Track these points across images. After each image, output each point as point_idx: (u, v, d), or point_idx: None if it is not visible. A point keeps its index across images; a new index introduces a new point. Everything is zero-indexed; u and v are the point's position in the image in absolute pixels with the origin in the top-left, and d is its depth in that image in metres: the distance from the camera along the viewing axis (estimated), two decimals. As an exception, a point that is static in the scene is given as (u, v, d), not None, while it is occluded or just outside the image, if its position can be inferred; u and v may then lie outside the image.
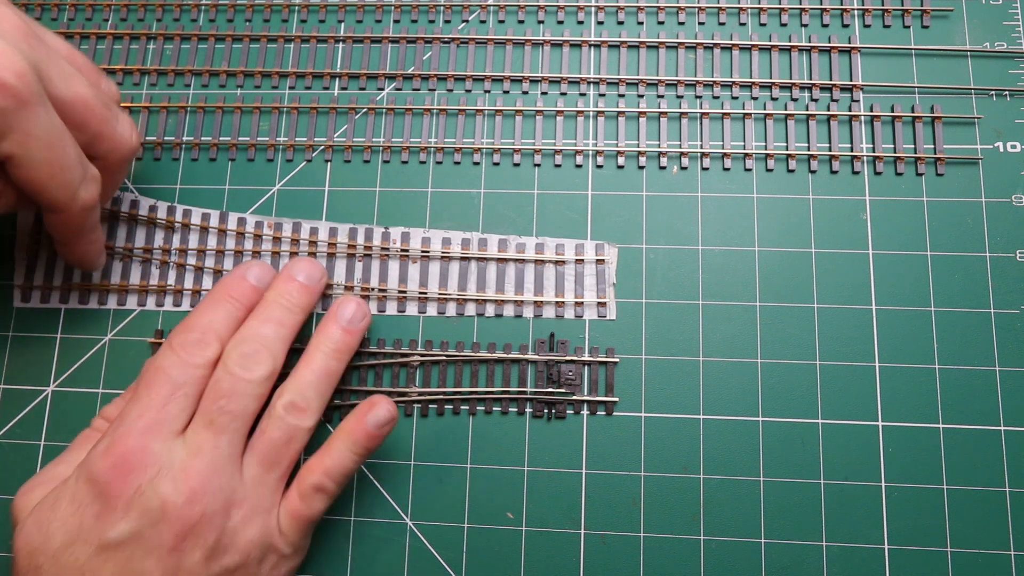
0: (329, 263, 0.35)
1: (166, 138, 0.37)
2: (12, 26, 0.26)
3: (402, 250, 0.34)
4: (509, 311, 0.34)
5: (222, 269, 0.35)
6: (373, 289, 0.34)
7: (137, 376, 0.29)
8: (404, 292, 0.34)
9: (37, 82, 0.26)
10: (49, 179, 0.27)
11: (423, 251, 0.34)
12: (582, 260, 0.34)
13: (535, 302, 0.34)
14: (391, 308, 0.34)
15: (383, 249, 0.34)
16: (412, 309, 0.34)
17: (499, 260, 0.34)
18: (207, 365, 0.28)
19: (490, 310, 0.34)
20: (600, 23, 0.37)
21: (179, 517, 0.26)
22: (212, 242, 0.35)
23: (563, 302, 0.34)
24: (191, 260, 0.35)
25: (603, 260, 0.34)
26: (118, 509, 0.25)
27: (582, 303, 0.34)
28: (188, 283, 0.35)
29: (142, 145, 0.36)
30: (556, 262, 0.34)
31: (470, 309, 0.34)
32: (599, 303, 0.34)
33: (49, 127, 0.26)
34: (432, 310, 0.34)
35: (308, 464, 0.29)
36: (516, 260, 0.34)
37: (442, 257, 0.34)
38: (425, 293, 0.34)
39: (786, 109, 0.35)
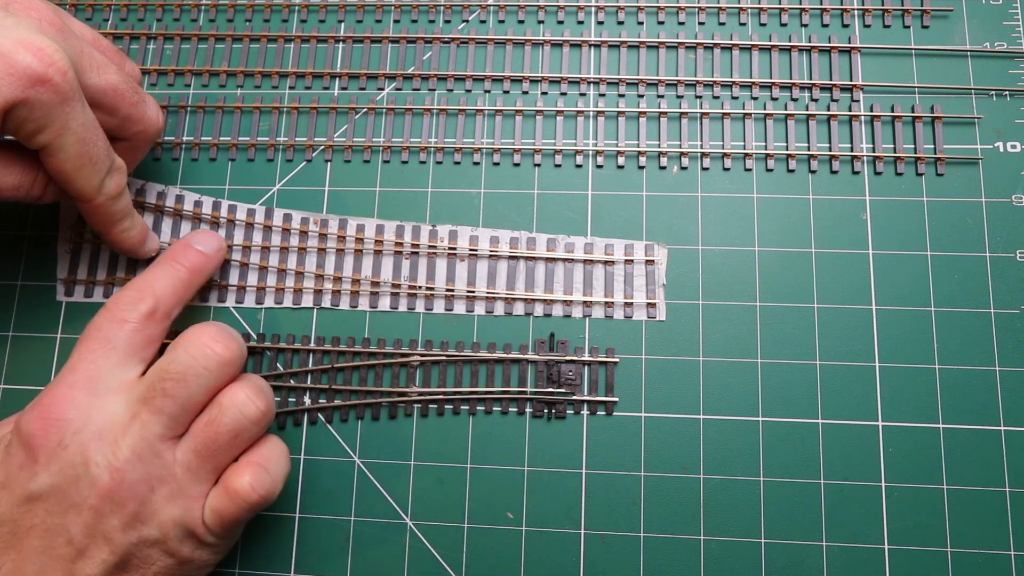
0: (376, 260, 0.35)
1: (166, 138, 0.37)
2: (48, 20, 0.28)
3: (450, 248, 0.34)
4: (558, 311, 0.34)
5: (286, 268, 0.35)
6: (420, 287, 0.34)
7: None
8: (452, 290, 0.34)
9: (75, 78, 0.27)
10: (78, 170, 0.28)
11: (471, 249, 0.34)
12: (631, 260, 0.34)
13: (584, 302, 0.34)
14: (438, 306, 0.34)
15: (431, 247, 0.34)
16: (460, 308, 0.34)
17: (548, 260, 0.34)
18: (140, 319, 0.28)
19: (539, 310, 0.34)
20: (600, 23, 0.37)
21: (101, 479, 0.25)
22: (257, 238, 0.35)
23: (612, 302, 0.34)
24: (250, 258, 0.35)
25: (652, 261, 0.34)
26: (39, 461, 0.25)
27: (631, 304, 0.34)
28: (252, 280, 0.35)
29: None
30: (605, 262, 0.34)
31: (518, 308, 0.34)
32: (648, 304, 0.33)
33: (83, 121, 0.28)
34: (480, 309, 0.34)
35: (238, 465, 0.28)
36: (565, 260, 0.34)
37: (490, 256, 0.34)
38: (473, 292, 0.34)
39: (786, 109, 0.35)
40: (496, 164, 0.36)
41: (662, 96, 0.36)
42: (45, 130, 0.27)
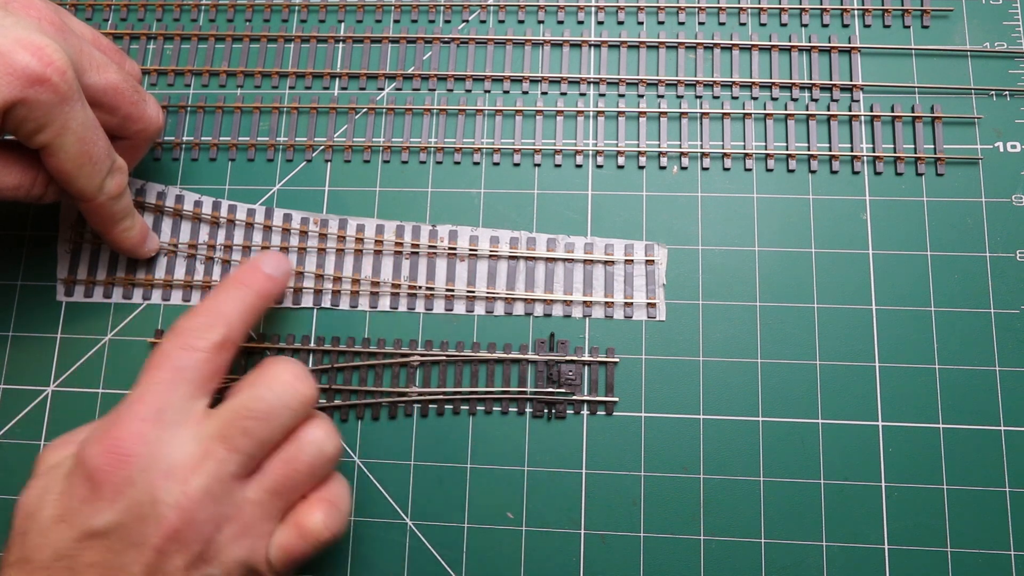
0: (376, 260, 0.35)
1: (166, 138, 0.37)
2: (48, 20, 0.27)
3: (450, 248, 0.34)
4: (558, 311, 0.34)
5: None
6: (420, 287, 0.34)
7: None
8: (452, 290, 0.34)
9: (75, 78, 0.27)
10: (79, 170, 0.28)
11: (471, 249, 0.34)
12: (631, 260, 0.34)
13: (584, 302, 0.34)
14: (438, 307, 0.34)
15: (431, 247, 0.34)
16: (460, 308, 0.34)
17: (548, 260, 0.34)
18: (211, 349, 0.26)
19: (539, 310, 0.34)
20: (600, 23, 0.37)
21: (168, 519, 0.24)
22: (257, 238, 0.35)
23: (612, 302, 0.34)
24: (248, 257, 0.35)
25: (652, 261, 0.34)
26: (104, 497, 0.24)
27: (631, 304, 0.34)
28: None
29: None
30: (605, 262, 0.34)
31: (518, 308, 0.34)
32: (648, 304, 0.33)
33: (83, 121, 0.27)
34: (480, 309, 0.34)
35: (308, 502, 0.27)
36: (565, 260, 0.34)
37: (490, 256, 0.34)
38: (473, 292, 0.34)
39: (786, 109, 0.35)
40: (496, 164, 0.36)
41: (662, 96, 0.36)
42: (45, 129, 0.27)
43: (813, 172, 0.35)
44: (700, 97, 0.36)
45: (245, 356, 0.34)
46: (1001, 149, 0.34)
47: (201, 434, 0.25)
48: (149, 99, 0.31)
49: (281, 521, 0.27)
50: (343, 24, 0.38)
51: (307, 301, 0.34)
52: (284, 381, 0.26)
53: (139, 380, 0.26)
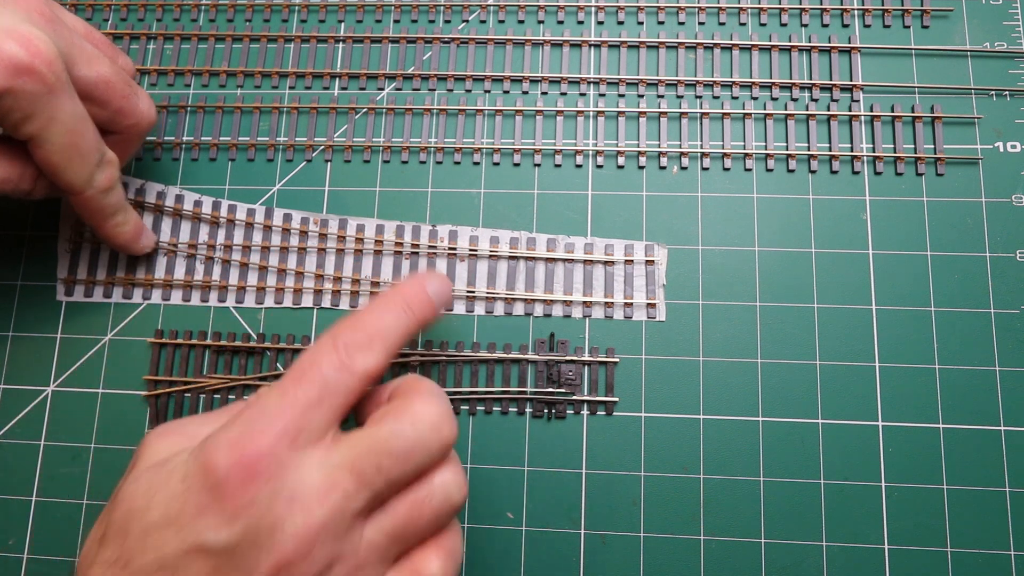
0: (376, 261, 0.35)
1: (166, 138, 0.37)
2: (38, 11, 0.27)
3: (450, 248, 0.34)
4: (558, 311, 0.34)
5: (286, 268, 0.35)
6: None
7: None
8: (452, 291, 0.34)
9: (64, 69, 0.27)
10: (67, 162, 0.28)
11: (471, 250, 0.34)
12: (631, 261, 0.34)
13: (584, 302, 0.34)
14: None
15: (431, 247, 0.34)
16: (459, 308, 0.34)
17: (548, 260, 0.34)
18: (365, 376, 0.24)
19: (539, 310, 0.34)
20: (600, 23, 0.37)
21: (283, 548, 0.22)
22: (257, 238, 0.35)
23: (612, 302, 0.34)
24: (250, 258, 0.35)
25: (652, 261, 0.34)
26: (226, 512, 0.22)
27: (631, 304, 0.34)
28: (252, 280, 0.35)
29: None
30: (605, 263, 0.34)
31: (518, 308, 0.34)
32: (648, 304, 0.33)
33: (72, 113, 0.27)
34: (480, 309, 0.34)
35: (426, 548, 0.25)
36: (565, 260, 0.34)
37: (490, 256, 0.34)
38: (473, 292, 0.34)
39: (786, 109, 0.35)
40: (496, 164, 0.36)
41: (662, 96, 0.36)
42: (31, 120, 0.26)
43: (813, 172, 0.35)
44: (700, 97, 0.36)
45: (245, 356, 0.34)
46: (1001, 149, 0.34)
47: (330, 462, 0.23)
48: (142, 94, 0.31)
49: (393, 565, 0.24)
50: (343, 24, 0.38)
51: (307, 301, 0.34)
52: (430, 422, 0.24)
53: (284, 385, 0.23)
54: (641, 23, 0.37)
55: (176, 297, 0.35)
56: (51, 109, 0.27)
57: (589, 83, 0.36)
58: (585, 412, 0.33)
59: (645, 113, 0.36)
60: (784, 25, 0.37)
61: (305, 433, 0.23)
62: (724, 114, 0.35)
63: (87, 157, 0.29)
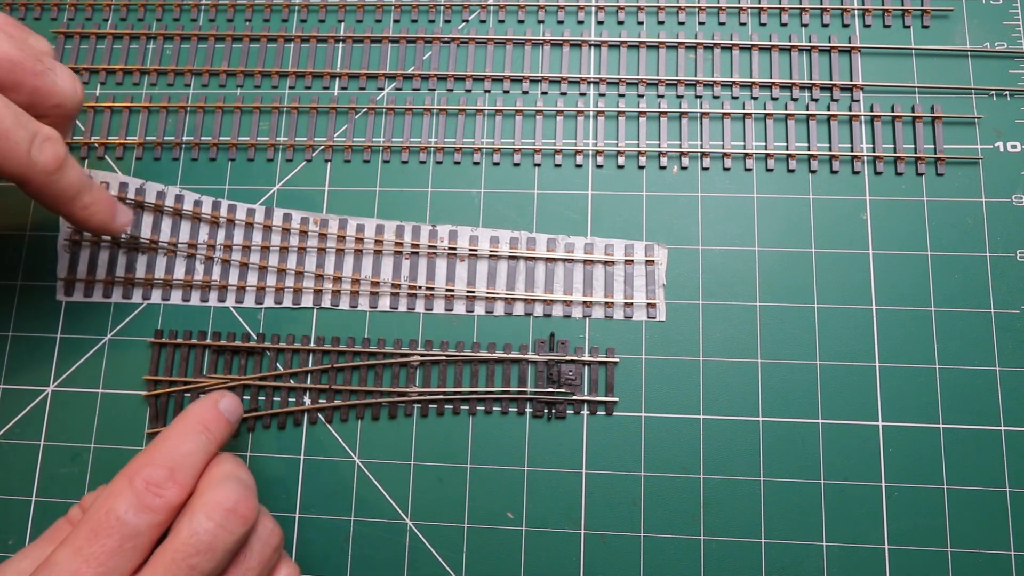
0: (376, 261, 0.35)
1: (166, 138, 0.37)
2: None
3: (450, 248, 0.34)
4: (558, 311, 0.34)
5: (286, 268, 0.35)
6: (420, 287, 0.34)
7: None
8: (452, 290, 0.34)
9: None
10: None
11: (471, 249, 0.34)
12: (631, 260, 0.34)
13: (584, 302, 0.34)
14: (438, 307, 0.34)
15: (431, 247, 0.34)
16: (460, 308, 0.34)
17: (548, 260, 0.34)
18: (169, 510, 0.24)
19: (539, 310, 0.34)
20: (600, 23, 0.37)
21: None
22: (257, 238, 0.35)
23: (612, 302, 0.34)
24: (250, 258, 0.35)
25: (652, 261, 0.34)
26: None
27: (631, 304, 0.34)
28: (252, 280, 0.35)
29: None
30: (605, 263, 0.34)
31: (518, 308, 0.34)
32: (648, 304, 0.33)
33: None
34: (480, 309, 0.34)
35: None
36: (565, 260, 0.34)
37: (490, 256, 0.34)
38: (473, 292, 0.34)
39: (786, 109, 0.35)
40: (496, 164, 0.36)
41: (662, 96, 0.36)
42: None
43: (813, 172, 0.35)
44: (700, 97, 0.36)
45: (245, 356, 0.34)
46: (1001, 149, 0.34)
47: None
48: (60, 71, 0.29)
49: None
50: (343, 24, 0.38)
51: (307, 301, 0.34)
52: (224, 508, 0.24)
53: (81, 534, 0.23)
54: (641, 23, 0.37)
55: (176, 297, 0.35)
56: None
57: (589, 83, 0.36)
58: (585, 412, 0.33)
59: (645, 113, 0.36)
60: (784, 25, 0.37)
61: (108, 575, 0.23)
62: (724, 114, 0.35)
63: (12, 138, 0.26)
